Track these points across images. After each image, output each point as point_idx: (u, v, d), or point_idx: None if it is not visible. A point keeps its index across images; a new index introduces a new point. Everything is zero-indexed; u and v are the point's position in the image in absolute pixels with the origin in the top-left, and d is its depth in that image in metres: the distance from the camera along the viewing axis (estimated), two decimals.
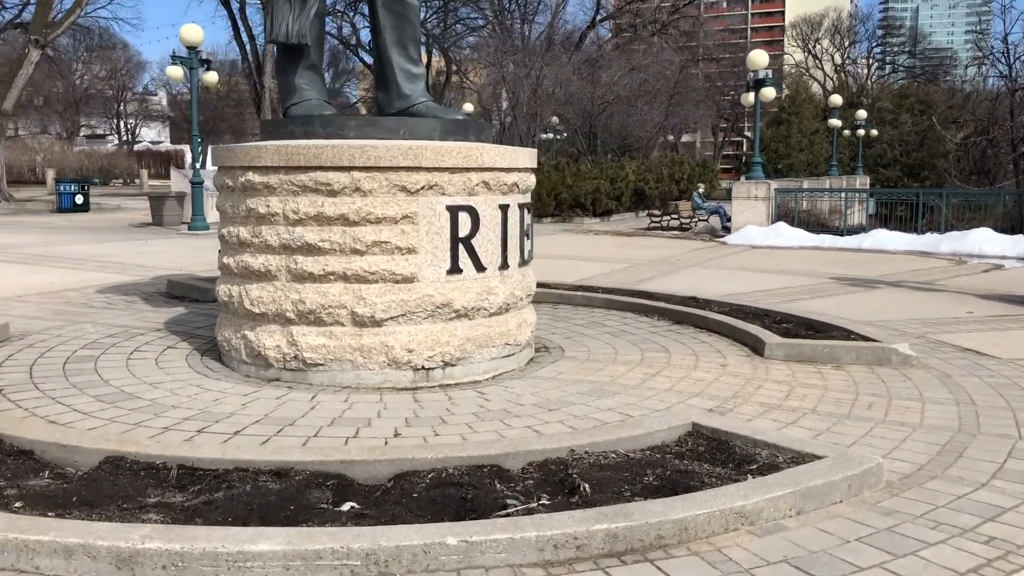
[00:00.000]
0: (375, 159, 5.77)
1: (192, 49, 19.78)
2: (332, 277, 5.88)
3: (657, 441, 4.61)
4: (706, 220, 23.08)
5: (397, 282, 5.91)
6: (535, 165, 6.86)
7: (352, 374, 5.92)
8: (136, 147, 74.81)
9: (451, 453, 4.19)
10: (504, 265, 6.36)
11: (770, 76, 19.91)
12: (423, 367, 5.99)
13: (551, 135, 43.34)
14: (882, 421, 5.28)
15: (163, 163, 61.76)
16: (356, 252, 5.85)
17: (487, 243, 6.21)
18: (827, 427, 5.12)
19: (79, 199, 27.27)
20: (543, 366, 6.59)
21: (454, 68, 45.91)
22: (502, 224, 6.33)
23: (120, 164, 62.79)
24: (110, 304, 9.04)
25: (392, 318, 5.90)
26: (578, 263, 14.36)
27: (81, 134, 75.26)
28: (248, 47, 36.32)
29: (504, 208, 6.34)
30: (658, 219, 22.97)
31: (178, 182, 26.07)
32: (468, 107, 38.88)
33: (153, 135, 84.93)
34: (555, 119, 41.59)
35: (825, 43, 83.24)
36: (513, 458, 4.24)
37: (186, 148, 54.82)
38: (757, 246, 18.00)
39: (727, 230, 20.64)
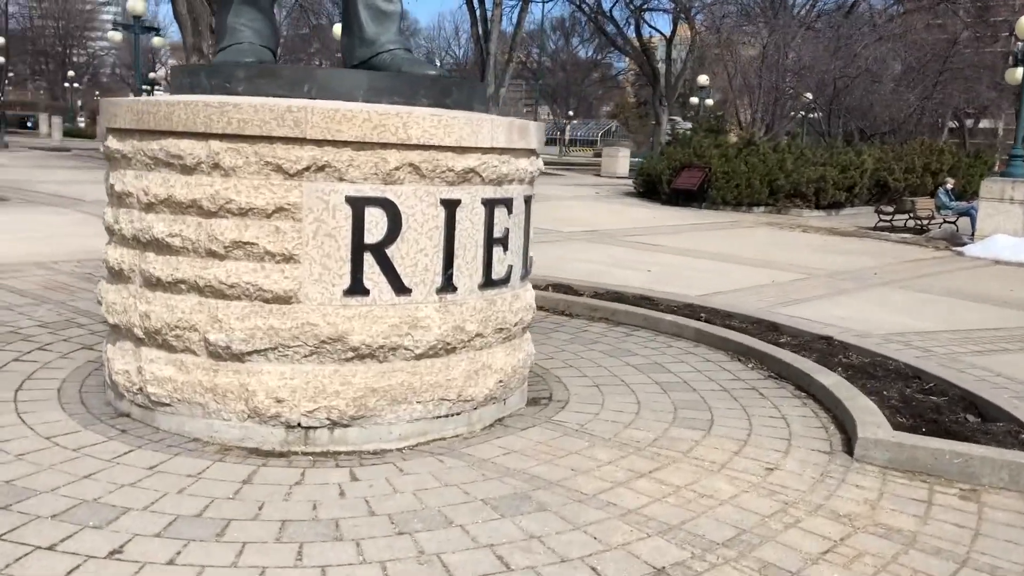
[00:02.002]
0: (239, 124, 4.02)
1: None
2: (183, 287, 4.23)
3: None
4: (953, 222, 19.08)
5: (267, 301, 4.15)
6: (530, 145, 4.77)
7: (203, 423, 4.26)
8: None
9: None
10: (447, 287, 4.40)
11: None
12: (299, 424, 4.20)
13: (803, 113, 39.30)
14: None
15: None
16: (213, 255, 4.15)
17: (415, 253, 4.28)
18: None
19: None
20: (506, 434, 4.57)
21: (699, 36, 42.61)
22: (445, 227, 4.36)
23: None
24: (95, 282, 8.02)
25: (257, 351, 4.15)
26: (738, 268, 11.78)
27: None
28: (478, 12, 35.51)
29: (451, 205, 4.36)
30: (888, 217, 19.28)
31: None
32: (703, 80, 35.85)
33: None
34: (809, 95, 37.43)
35: None
36: None
37: None
38: (1002, 261, 14.29)
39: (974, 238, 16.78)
